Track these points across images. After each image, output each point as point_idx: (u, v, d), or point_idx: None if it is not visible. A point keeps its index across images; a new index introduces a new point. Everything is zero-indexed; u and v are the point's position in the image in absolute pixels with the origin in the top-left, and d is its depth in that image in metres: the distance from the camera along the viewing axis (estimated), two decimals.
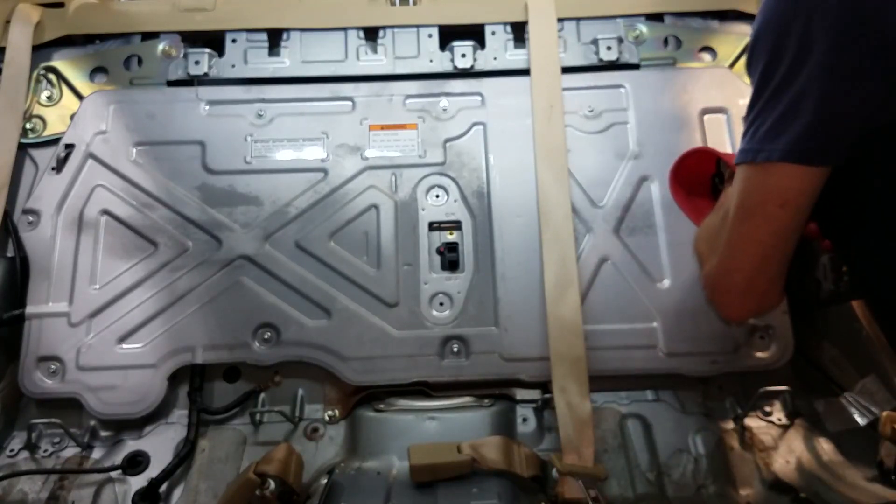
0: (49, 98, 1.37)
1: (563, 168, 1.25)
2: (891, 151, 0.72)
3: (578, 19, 1.41)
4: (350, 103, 1.34)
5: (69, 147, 1.29)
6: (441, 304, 1.21)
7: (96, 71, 1.39)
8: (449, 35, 1.41)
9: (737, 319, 1.10)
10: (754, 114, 0.77)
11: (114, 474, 1.10)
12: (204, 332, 1.18)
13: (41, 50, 1.39)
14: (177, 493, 1.09)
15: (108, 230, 1.24)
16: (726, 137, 1.30)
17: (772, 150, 0.74)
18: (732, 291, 0.85)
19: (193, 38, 1.41)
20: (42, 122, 1.34)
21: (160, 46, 1.40)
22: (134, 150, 1.30)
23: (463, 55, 1.38)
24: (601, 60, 1.38)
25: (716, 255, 0.86)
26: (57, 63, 1.38)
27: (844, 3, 0.66)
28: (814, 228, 0.90)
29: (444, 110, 1.34)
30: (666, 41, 1.40)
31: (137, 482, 1.09)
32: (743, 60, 1.38)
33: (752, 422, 1.17)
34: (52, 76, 1.37)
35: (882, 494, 0.99)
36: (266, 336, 1.19)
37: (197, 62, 1.37)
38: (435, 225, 1.26)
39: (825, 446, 1.12)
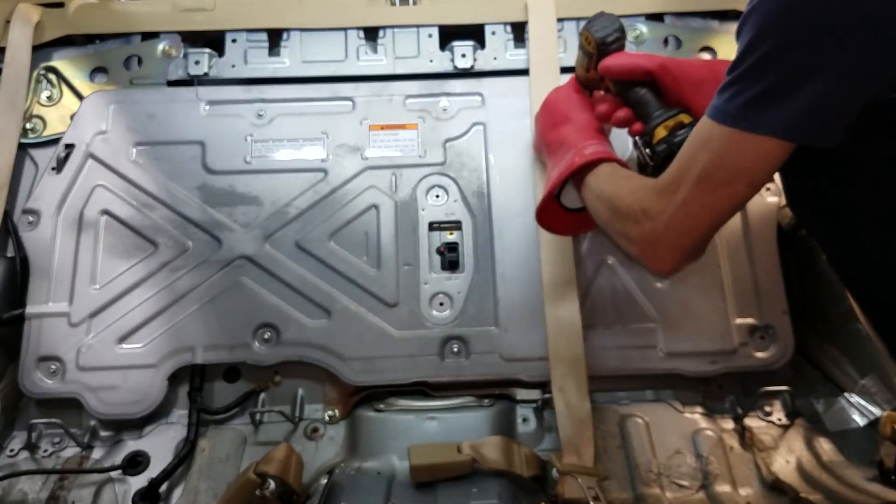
0: (49, 98, 1.36)
1: None
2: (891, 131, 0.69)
3: (578, 19, 1.41)
4: (350, 103, 1.34)
5: (69, 147, 1.28)
6: (441, 304, 1.21)
7: (96, 71, 1.38)
8: (449, 35, 1.40)
9: (669, 275, 1.03)
10: (737, 75, 0.70)
11: (114, 474, 1.10)
12: (204, 332, 1.18)
13: (41, 50, 1.39)
14: (177, 493, 1.09)
15: (108, 230, 1.24)
16: None
17: (759, 121, 0.68)
18: (676, 251, 0.82)
19: (193, 38, 1.41)
20: (42, 122, 1.34)
21: (160, 46, 1.39)
22: (134, 150, 1.29)
23: (463, 55, 1.38)
24: None
25: (661, 216, 0.80)
26: (57, 63, 1.38)
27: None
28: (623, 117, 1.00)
29: (444, 110, 1.34)
30: (666, 41, 1.40)
31: (137, 482, 1.09)
32: None
33: (752, 422, 1.17)
34: (52, 76, 1.37)
35: (882, 494, 0.99)
36: (266, 336, 1.19)
37: (197, 62, 1.37)
38: (435, 225, 1.26)
39: (825, 446, 1.11)
